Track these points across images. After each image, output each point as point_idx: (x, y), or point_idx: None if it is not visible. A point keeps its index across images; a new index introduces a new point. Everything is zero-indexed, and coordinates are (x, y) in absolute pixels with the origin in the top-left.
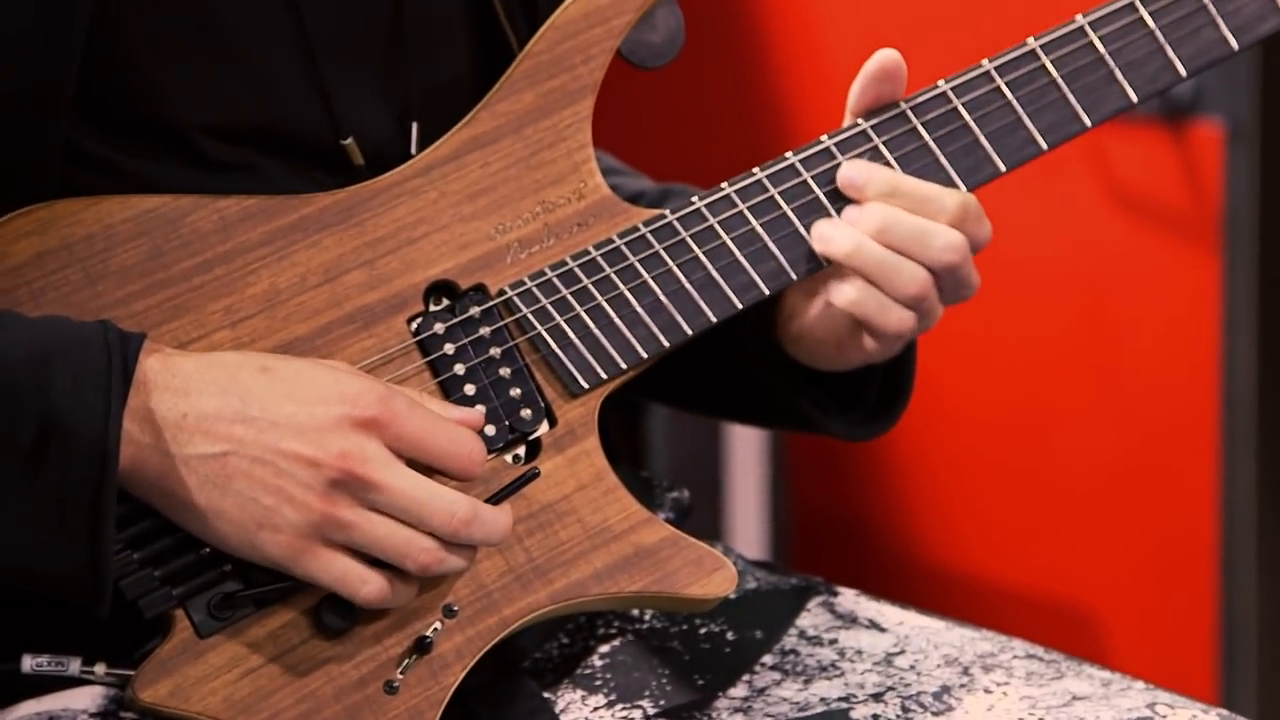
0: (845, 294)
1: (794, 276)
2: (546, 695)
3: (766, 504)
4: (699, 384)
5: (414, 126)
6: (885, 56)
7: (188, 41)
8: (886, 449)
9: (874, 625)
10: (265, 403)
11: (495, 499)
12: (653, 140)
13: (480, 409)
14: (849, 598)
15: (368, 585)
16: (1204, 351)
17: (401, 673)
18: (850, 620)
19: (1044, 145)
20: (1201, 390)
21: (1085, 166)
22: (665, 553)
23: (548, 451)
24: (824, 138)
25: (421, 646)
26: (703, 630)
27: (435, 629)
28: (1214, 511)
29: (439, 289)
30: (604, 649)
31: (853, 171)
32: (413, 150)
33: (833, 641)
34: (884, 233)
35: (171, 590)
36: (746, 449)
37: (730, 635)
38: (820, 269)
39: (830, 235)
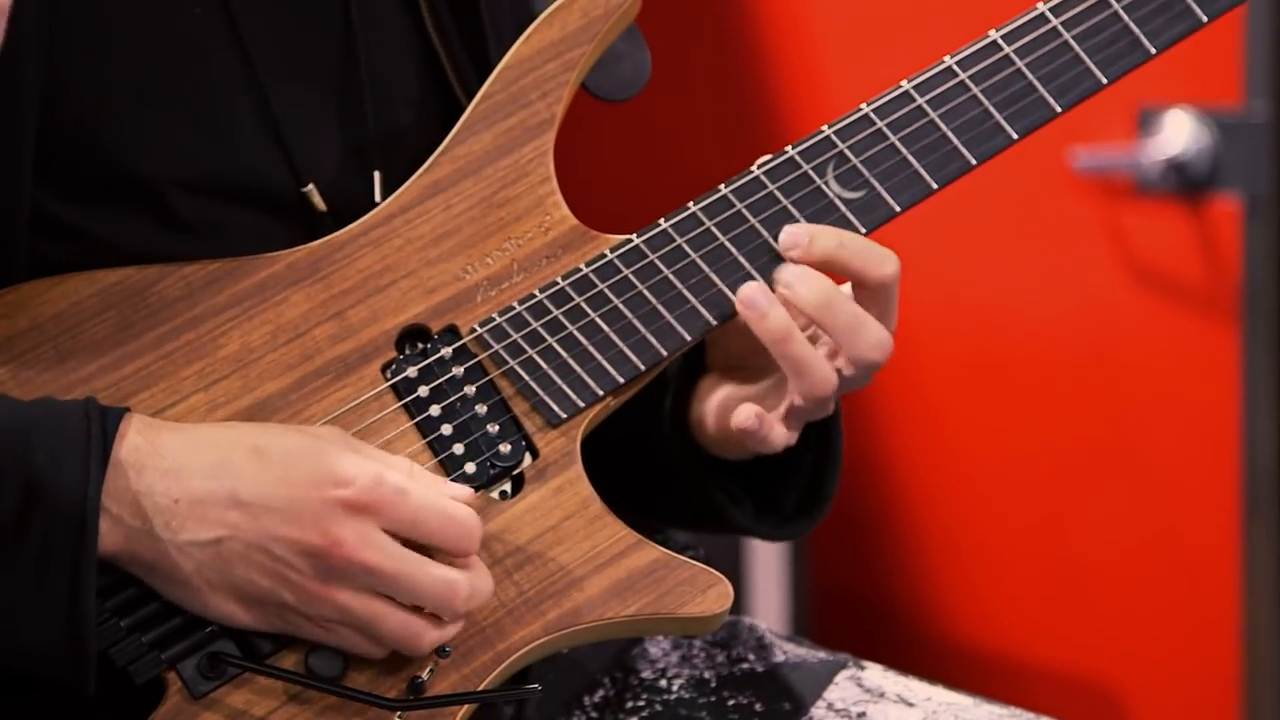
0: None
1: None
2: None
3: (787, 579)
4: (626, 482)
5: (376, 175)
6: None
7: (143, 95)
8: (907, 524)
9: (902, 700)
10: (259, 487)
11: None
12: (630, 167)
13: (469, 489)
14: (877, 672)
15: (373, 648)
16: (1224, 425)
17: (399, 717)
18: (878, 695)
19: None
20: (1222, 464)
21: (1103, 242)
22: (658, 574)
23: (531, 483)
24: (789, 148)
25: (416, 688)
26: (731, 702)
27: (430, 670)
28: (1236, 586)
29: (412, 334)
30: None
31: (796, 234)
32: (377, 199)
33: (860, 715)
34: (823, 310)
35: (160, 654)
36: None
37: (759, 707)
38: None
39: (762, 307)
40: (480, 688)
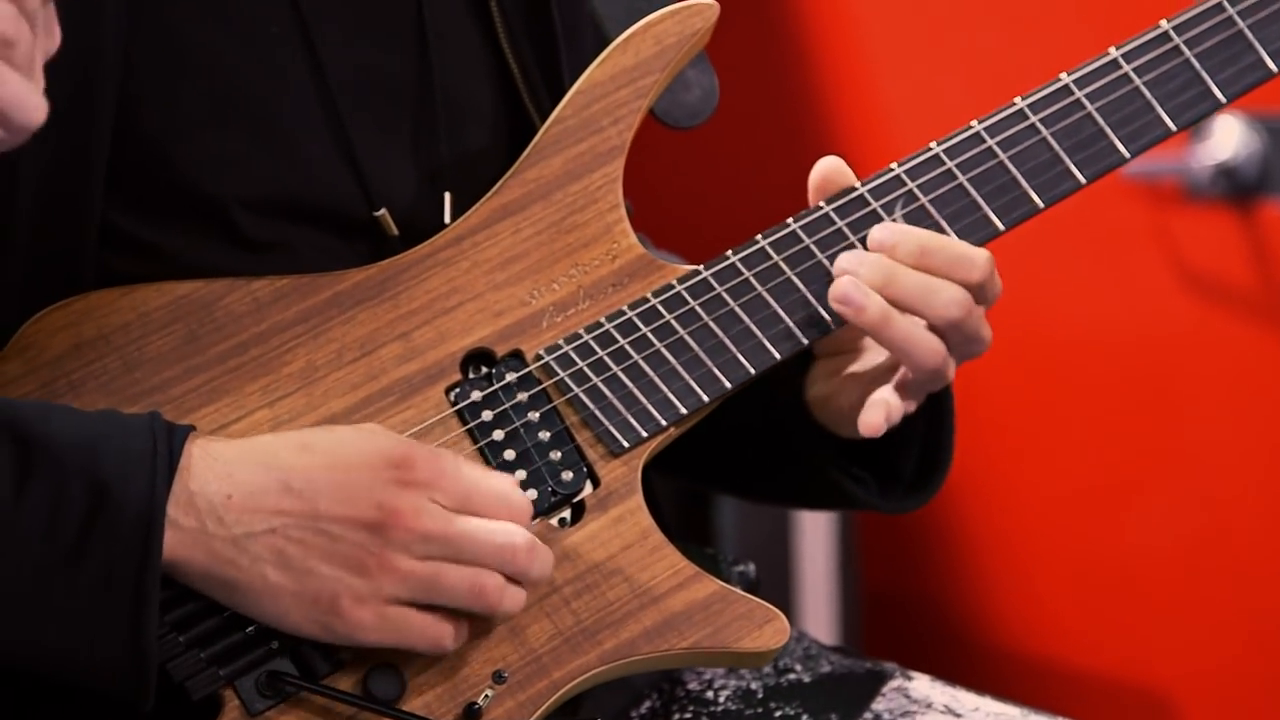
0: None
1: (833, 326)
2: None
3: (836, 587)
4: (738, 467)
5: (446, 197)
6: (826, 165)
7: (217, 115)
8: (958, 531)
9: (949, 711)
10: (309, 473)
11: None
12: (694, 193)
13: (511, 476)
14: (924, 683)
15: (439, 634)
16: (1274, 429)
17: None
18: (925, 706)
19: (1082, 179)
20: (1273, 468)
21: (1153, 248)
22: (715, 607)
23: (592, 512)
24: (858, 184)
25: (472, 714)
26: (778, 713)
27: (486, 696)
28: None
29: (476, 357)
30: None
31: (881, 234)
32: (446, 220)
33: None
34: (889, 287)
35: (219, 671)
36: (815, 532)
37: (806, 717)
38: None
39: (858, 300)
40: (535, 716)
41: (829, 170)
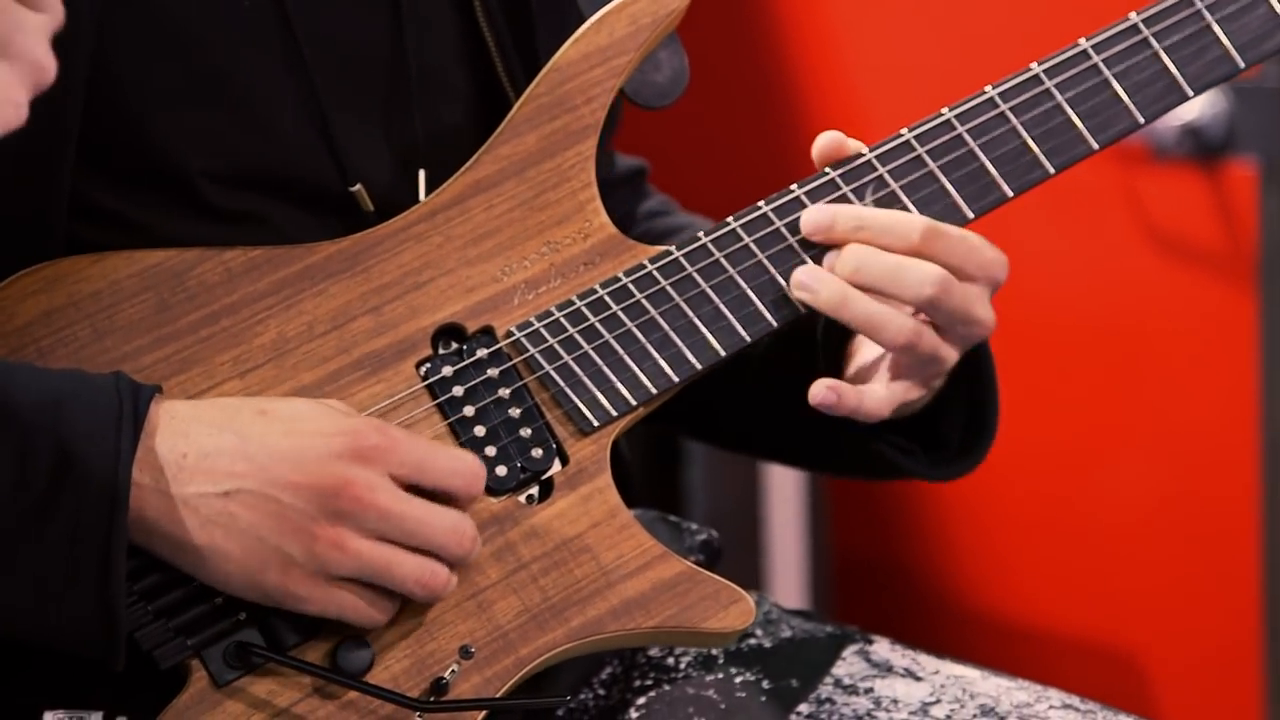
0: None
1: (802, 309)
2: None
3: (805, 550)
4: (774, 432)
5: (420, 174)
6: (826, 139)
7: (190, 90)
8: (926, 493)
9: (910, 674)
10: (264, 439)
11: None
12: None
13: (469, 450)
14: (884, 646)
15: (377, 612)
16: (1242, 389)
17: (419, 716)
18: (886, 669)
19: (1051, 169)
20: (1241, 429)
21: (1120, 208)
22: (682, 587)
23: (560, 490)
24: (829, 169)
25: (438, 688)
26: (739, 679)
27: (453, 671)
28: (1256, 553)
29: (447, 333)
30: (640, 700)
31: (816, 215)
32: (421, 196)
33: (868, 690)
34: (857, 274)
35: (186, 640)
36: (784, 496)
37: (766, 684)
38: None
39: (812, 284)
40: (502, 691)
41: (831, 143)
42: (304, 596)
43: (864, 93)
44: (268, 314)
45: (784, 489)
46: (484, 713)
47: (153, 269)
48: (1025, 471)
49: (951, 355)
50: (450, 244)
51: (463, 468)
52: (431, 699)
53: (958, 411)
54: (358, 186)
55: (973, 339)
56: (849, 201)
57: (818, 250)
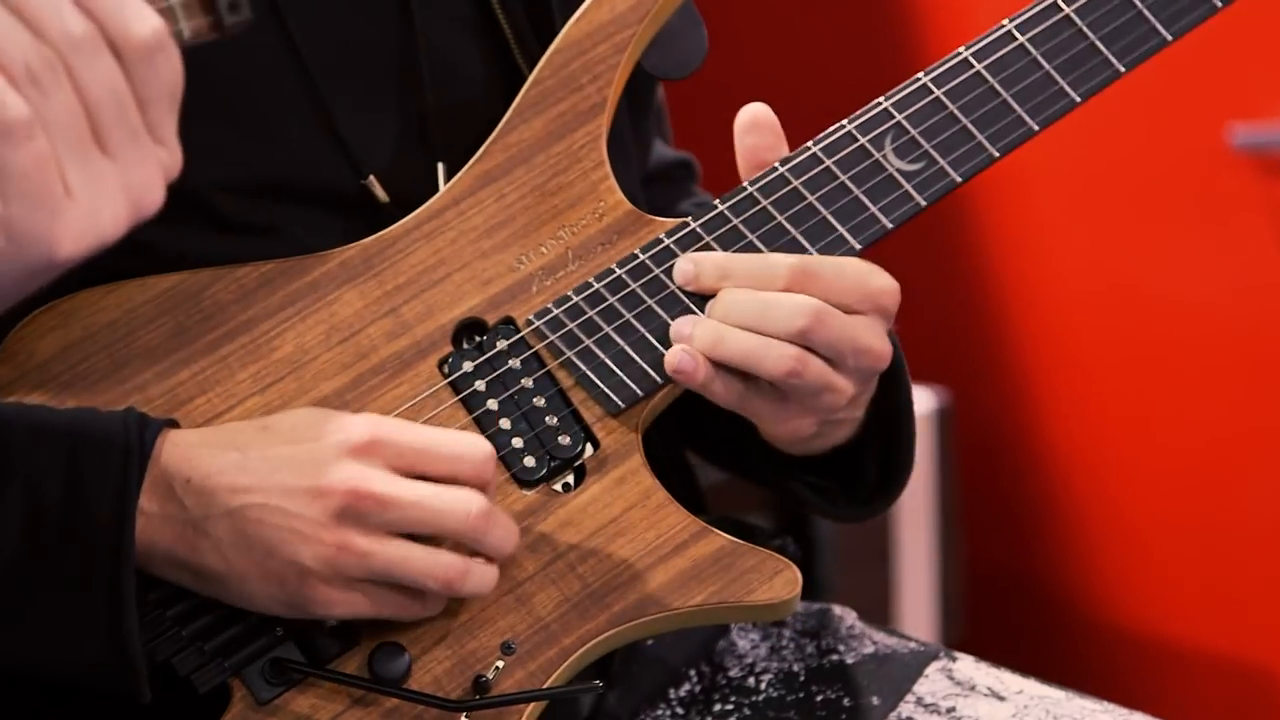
0: (732, 390)
1: None
2: None
3: (935, 564)
4: (728, 451)
5: (440, 166)
6: (753, 111)
7: (189, 104)
8: (1062, 506)
9: (993, 694)
10: (264, 449)
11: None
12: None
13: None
14: (968, 664)
15: (413, 604)
16: None
17: (464, 716)
18: (969, 688)
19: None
20: None
21: (1263, 220)
22: (724, 562)
23: (592, 475)
24: (845, 121)
25: (480, 687)
26: (819, 697)
27: (496, 668)
28: None
29: (468, 328)
30: None
31: (683, 265)
32: (441, 185)
33: (950, 710)
34: (727, 316)
35: (224, 662)
36: (914, 508)
37: (847, 701)
38: (882, 231)
39: (685, 331)
40: (547, 684)
41: (754, 118)
42: (330, 602)
43: (888, 40)
44: (284, 327)
45: (914, 500)
46: (530, 708)
47: (166, 294)
48: (1163, 485)
49: (847, 386)
50: (463, 238)
51: (467, 449)
52: (474, 698)
53: (875, 447)
54: (369, 178)
55: (868, 369)
56: (868, 154)
57: (840, 208)
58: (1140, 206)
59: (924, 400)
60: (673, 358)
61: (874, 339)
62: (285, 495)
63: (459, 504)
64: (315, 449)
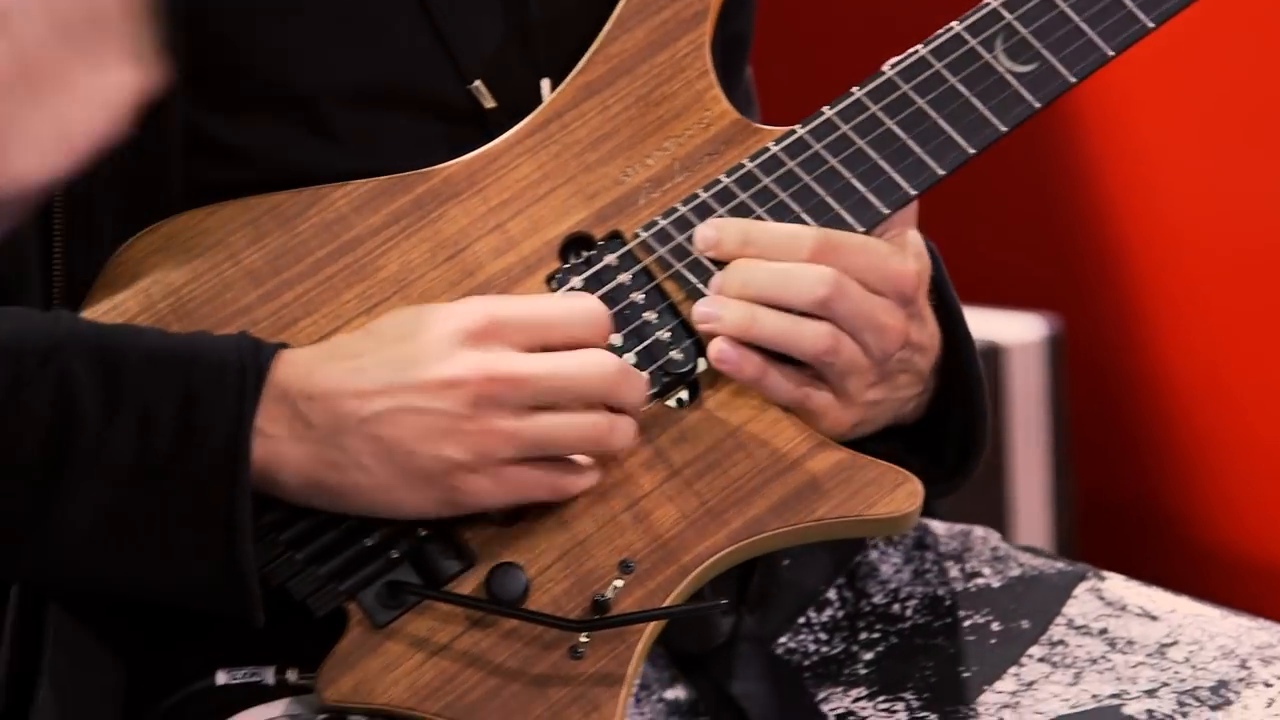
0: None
1: (940, 172)
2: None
3: (1049, 490)
4: None
5: (544, 80)
6: None
7: (296, 4)
8: (1176, 433)
9: (1145, 613)
10: (381, 355)
11: None
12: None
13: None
14: (1118, 583)
15: (567, 477)
16: None
17: (585, 637)
18: (1120, 608)
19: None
20: None
21: None
22: (844, 475)
23: (706, 390)
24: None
25: (600, 607)
26: (967, 622)
27: (614, 587)
28: None
29: (575, 243)
30: (868, 656)
31: (705, 231)
32: (544, 91)
33: (1102, 631)
34: (746, 288)
35: (339, 586)
36: (1027, 435)
37: (995, 625)
38: (995, 134)
39: (715, 312)
40: (666, 603)
41: None
42: (481, 492)
43: None
44: (389, 245)
45: (1027, 428)
46: (650, 628)
47: (268, 214)
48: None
49: (869, 366)
50: (567, 152)
51: (582, 311)
52: (594, 618)
53: (954, 429)
54: (476, 83)
55: (887, 349)
56: (978, 56)
57: (951, 111)
58: (1260, 125)
59: (1035, 327)
60: (715, 349)
61: (892, 320)
62: (416, 393)
63: (592, 366)
64: (432, 342)
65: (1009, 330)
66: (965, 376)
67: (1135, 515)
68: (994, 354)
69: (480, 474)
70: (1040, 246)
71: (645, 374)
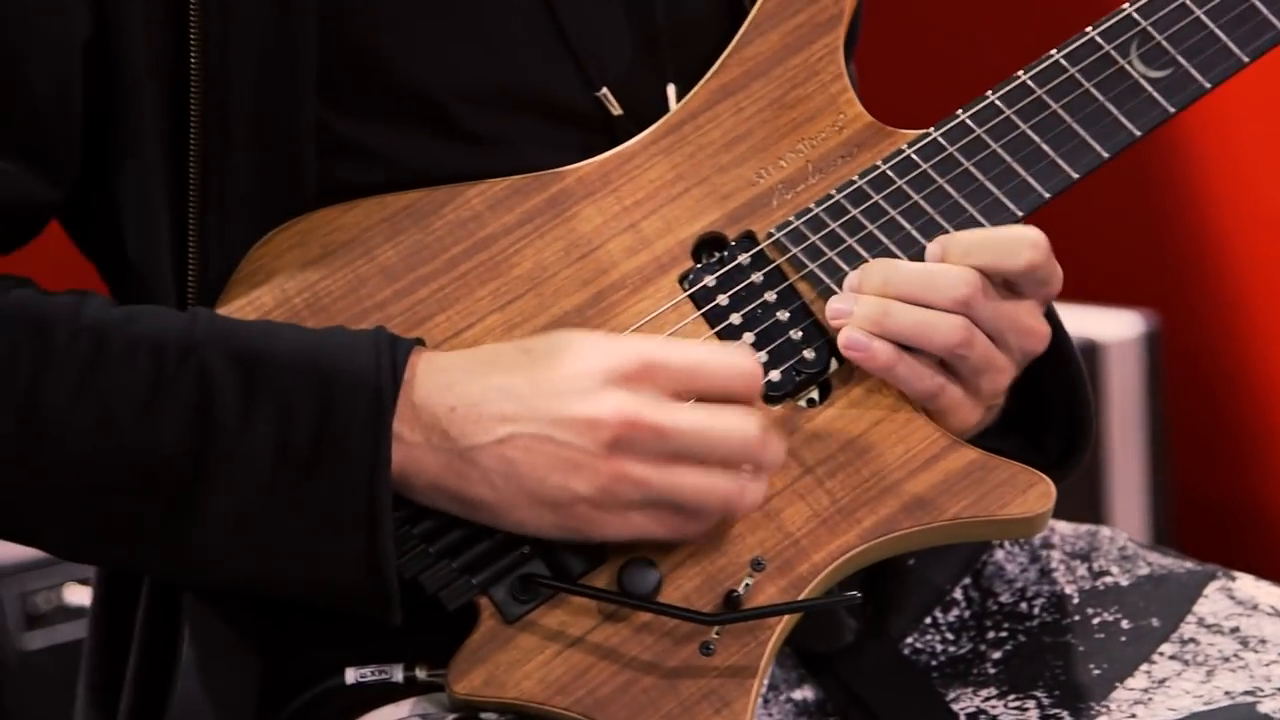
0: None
1: (1074, 175)
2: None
3: (1149, 485)
4: None
5: (671, 88)
6: None
7: (422, 7)
8: (1275, 430)
9: (1277, 613)
10: (530, 376)
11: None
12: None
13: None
14: (1249, 583)
15: (682, 523)
16: None
17: (716, 632)
18: (1251, 607)
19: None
20: None
21: None
22: (976, 475)
23: (839, 389)
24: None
25: (732, 602)
26: (1095, 620)
27: (746, 585)
28: None
29: (708, 243)
30: (996, 655)
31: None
32: (671, 104)
33: (1234, 630)
34: (887, 285)
35: (471, 579)
36: (1125, 431)
37: (1125, 624)
38: (1130, 138)
39: (847, 307)
40: (798, 599)
41: None
42: (605, 525)
43: None
44: (523, 243)
45: (1124, 425)
46: (782, 623)
47: (403, 211)
48: None
49: (1008, 367)
50: (701, 153)
51: (737, 367)
52: (726, 612)
53: (1058, 425)
54: (603, 90)
55: (1030, 351)
56: (1113, 61)
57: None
58: None
59: (1133, 324)
60: (846, 336)
61: (1035, 321)
62: (556, 425)
63: (737, 429)
64: (584, 376)
65: (1107, 327)
66: (1068, 370)
67: (1233, 512)
68: (1092, 351)
69: (604, 511)
70: (1138, 243)
71: (777, 375)
